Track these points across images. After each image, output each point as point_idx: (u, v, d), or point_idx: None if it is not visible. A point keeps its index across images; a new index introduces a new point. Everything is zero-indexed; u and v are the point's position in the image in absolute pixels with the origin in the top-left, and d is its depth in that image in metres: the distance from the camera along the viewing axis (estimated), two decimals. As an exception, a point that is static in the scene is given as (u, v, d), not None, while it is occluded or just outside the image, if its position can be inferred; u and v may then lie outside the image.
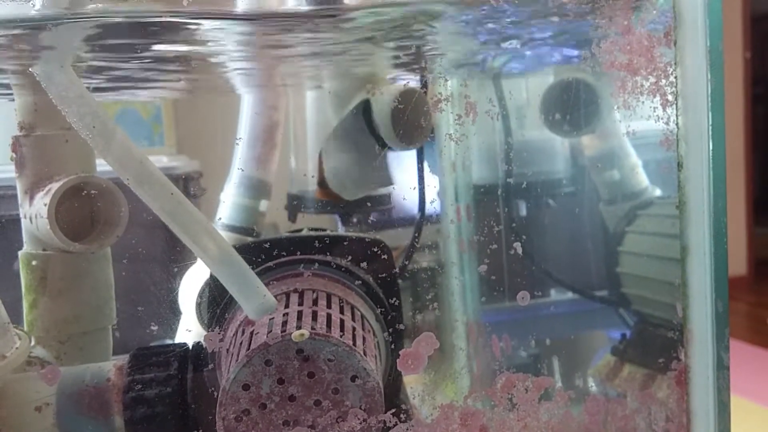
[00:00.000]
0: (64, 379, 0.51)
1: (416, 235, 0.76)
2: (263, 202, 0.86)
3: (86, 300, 0.64)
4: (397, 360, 0.43)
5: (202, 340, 0.73)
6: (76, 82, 0.43)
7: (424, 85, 0.73)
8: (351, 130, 0.51)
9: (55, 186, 0.60)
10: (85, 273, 0.64)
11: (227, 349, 0.47)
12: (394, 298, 0.53)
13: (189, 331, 0.85)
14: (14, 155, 0.64)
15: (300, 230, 0.69)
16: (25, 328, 0.64)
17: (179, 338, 0.88)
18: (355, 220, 0.83)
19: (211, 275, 0.54)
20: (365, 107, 0.51)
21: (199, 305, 0.78)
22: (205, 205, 0.94)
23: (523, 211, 0.76)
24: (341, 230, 0.93)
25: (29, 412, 0.49)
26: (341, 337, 0.41)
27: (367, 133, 0.50)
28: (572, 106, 0.63)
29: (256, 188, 0.86)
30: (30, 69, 0.44)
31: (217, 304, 0.52)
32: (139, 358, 0.51)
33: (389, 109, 0.66)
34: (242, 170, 0.86)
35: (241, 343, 0.43)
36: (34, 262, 0.63)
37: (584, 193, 0.81)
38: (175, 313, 0.92)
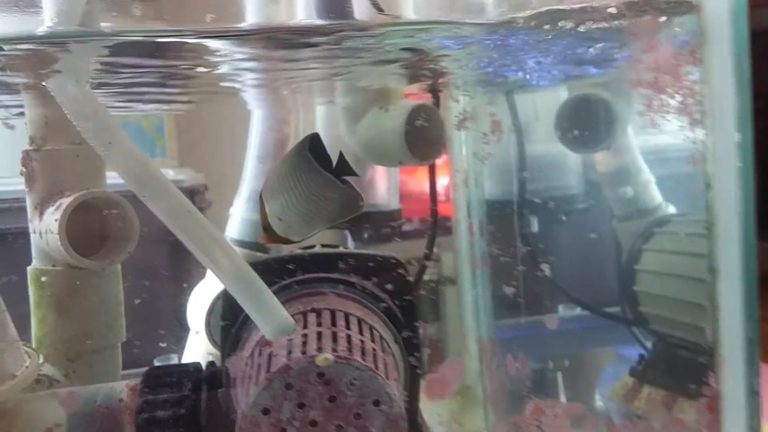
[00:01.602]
0: (77, 398, 0.50)
1: (429, 250, 0.76)
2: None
3: (96, 317, 0.63)
4: (423, 385, 0.42)
5: (214, 359, 0.72)
6: (90, 97, 0.42)
7: (437, 100, 0.72)
8: (296, 167, 0.49)
9: (66, 201, 0.59)
10: (95, 289, 0.63)
11: (243, 370, 0.46)
12: (411, 318, 0.52)
13: (197, 347, 0.84)
14: (24, 170, 0.63)
15: (312, 246, 0.68)
16: (34, 345, 0.63)
17: (187, 355, 0.87)
18: (366, 235, 0.83)
19: (224, 292, 0.53)
20: (312, 141, 0.48)
21: (209, 322, 0.77)
22: (211, 218, 0.93)
23: (536, 227, 0.75)
24: (352, 246, 0.92)
25: (40, 433, 0.48)
26: (363, 359, 0.40)
27: (315, 168, 0.47)
28: (588, 122, 0.62)
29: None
30: (43, 83, 0.43)
31: (231, 322, 0.51)
32: (152, 378, 0.50)
33: (403, 126, 0.65)
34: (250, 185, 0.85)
35: (259, 365, 0.42)
36: (43, 278, 0.62)
37: (597, 209, 0.81)
38: (184, 329, 0.91)
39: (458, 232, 0.79)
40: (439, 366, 0.42)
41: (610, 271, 0.78)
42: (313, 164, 0.47)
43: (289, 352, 0.40)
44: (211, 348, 0.80)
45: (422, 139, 0.66)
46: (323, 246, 0.68)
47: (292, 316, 0.45)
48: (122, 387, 0.51)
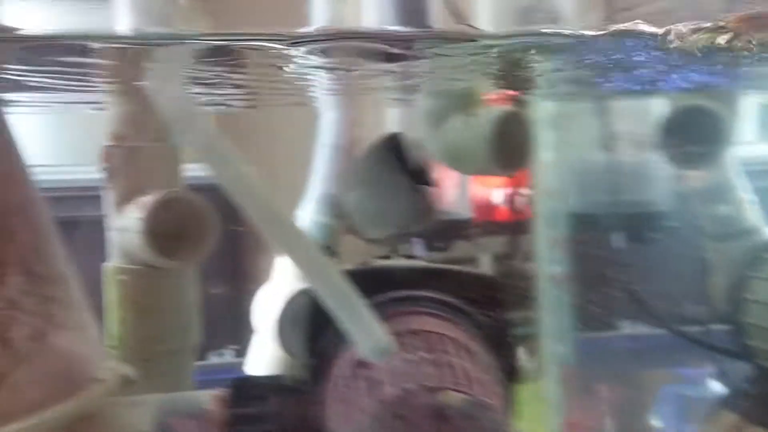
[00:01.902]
0: (161, 407, 0.48)
1: (508, 266, 0.73)
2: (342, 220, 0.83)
3: (172, 318, 0.62)
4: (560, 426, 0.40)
5: (285, 366, 0.70)
6: (188, 99, 0.40)
7: (522, 106, 0.69)
8: (378, 162, 0.47)
9: (148, 200, 0.58)
10: (172, 290, 0.62)
11: (336, 391, 0.44)
12: (509, 343, 0.49)
13: (263, 349, 0.82)
14: (105, 165, 0.62)
15: (388, 257, 0.65)
16: (109, 343, 0.62)
17: (252, 356, 0.85)
18: (439, 244, 0.80)
19: (310, 303, 0.51)
20: (397, 140, 0.46)
21: (281, 328, 0.75)
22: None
23: (623, 243, 0.71)
24: (421, 254, 0.89)
25: (125, 441, 0.47)
26: (476, 392, 0.37)
27: (396, 169, 0.46)
28: (695, 136, 0.59)
29: (335, 206, 0.83)
30: (140, 83, 0.42)
31: (318, 335, 0.49)
32: (239, 391, 0.49)
33: (489, 133, 0.62)
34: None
35: (362, 390, 0.40)
36: (120, 277, 0.61)
37: (688, 227, 0.77)
38: (243, 327, 0.90)
39: (539, 247, 0.76)
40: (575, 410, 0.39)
41: (701, 293, 0.74)
42: (396, 165, 0.45)
43: (399, 381, 0.38)
44: (278, 352, 0.79)
45: (509, 148, 0.63)
46: (402, 257, 0.65)
47: (391, 336, 0.43)
48: (208, 397, 0.49)
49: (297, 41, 0.41)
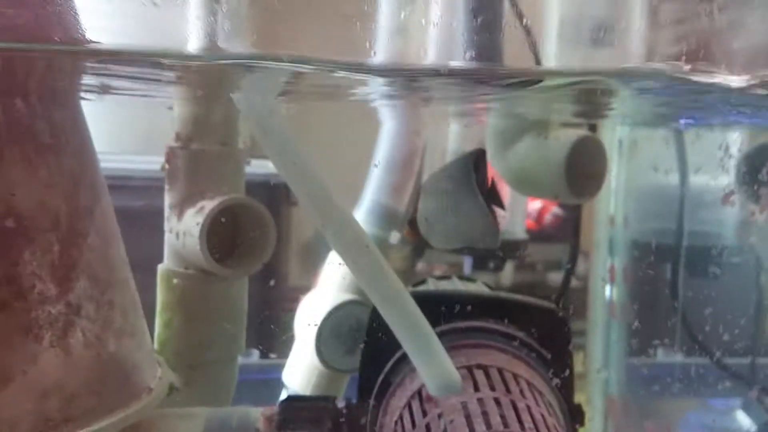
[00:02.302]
0: (209, 421, 0.47)
1: (563, 293, 0.70)
2: (394, 233, 0.82)
3: (221, 326, 0.61)
4: None
5: (332, 383, 0.68)
6: (277, 113, 0.39)
7: (593, 130, 0.66)
8: (455, 177, 0.46)
9: (209, 205, 0.57)
10: (224, 298, 0.61)
11: (395, 421, 0.42)
12: (571, 381, 0.47)
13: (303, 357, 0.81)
14: (167, 166, 0.62)
15: (447, 277, 0.63)
16: (156, 347, 0.61)
17: (291, 362, 0.84)
18: (491, 265, 0.78)
19: (340, 308, 0.50)
20: (477, 158, 0.44)
21: (319, 339, 0.73)
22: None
23: (687, 278, 0.68)
24: (468, 272, 0.87)
25: (173, 454, 0.46)
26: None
27: (471, 184, 0.44)
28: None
29: (389, 218, 0.81)
30: (231, 95, 0.40)
31: (378, 361, 0.47)
32: (289, 411, 0.47)
33: (565, 157, 0.60)
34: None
35: (427, 427, 0.38)
36: (175, 281, 0.60)
37: (750, 264, 0.73)
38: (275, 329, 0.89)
39: (595, 276, 0.73)
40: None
41: (756, 330, 0.70)
42: (472, 183, 0.44)
43: (469, 420, 0.36)
44: (317, 362, 0.77)
45: (582, 174, 0.60)
46: (460, 278, 0.63)
47: (457, 369, 0.41)
48: (257, 415, 0.48)
49: (366, 71, 0.39)
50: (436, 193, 0.48)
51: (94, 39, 0.34)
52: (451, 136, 0.85)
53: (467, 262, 0.85)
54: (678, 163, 0.66)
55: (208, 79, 0.44)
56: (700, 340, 0.72)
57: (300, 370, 0.79)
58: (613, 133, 0.70)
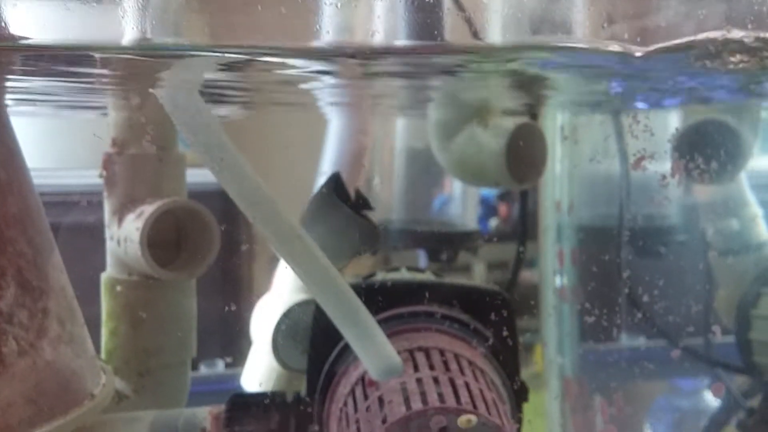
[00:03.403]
0: (155, 424, 0.47)
1: (513, 278, 0.71)
2: (346, 230, 0.82)
3: (169, 331, 0.60)
4: None
5: (291, 384, 0.68)
6: (203, 109, 0.39)
7: (534, 117, 0.68)
8: (321, 205, 0.49)
9: (148, 209, 0.56)
10: (170, 302, 0.60)
11: (340, 408, 0.42)
12: (516, 361, 0.48)
13: (260, 362, 0.80)
14: (104, 173, 0.61)
15: (396, 269, 0.64)
16: (103, 356, 0.60)
17: (249, 368, 0.84)
18: (443, 257, 0.78)
19: (316, 319, 0.50)
20: (335, 180, 0.48)
21: (276, 341, 0.73)
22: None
23: (632, 258, 0.70)
24: (422, 265, 0.88)
25: (119, 460, 0.45)
26: (488, 413, 0.35)
27: (334, 200, 0.48)
28: (713, 152, 0.57)
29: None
30: (151, 90, 0.40)
31: (322, 353, 0.47)
32: (236, 408, 0.47)
33: (505, 145, 0.60)
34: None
35: (368, 409, 0.38)
36: (118, 288, 0.59)
37: (695, 241, 0.75)
38: (242, 339, 0.88)
39: (545, 261, 0.74)
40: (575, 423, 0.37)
41: (707, 308, 0.72)
42: (335, 201, 0.48)
43: (407, 400, 0.36)
44: (275, 364, 0.77)
45: (523, 161, 0.61)
46: (409, 269, 0.64)
47: (398, 353, 0.41)
48: (205, 414, 0.47)
49: (309, 56, 0.40)
50: (310, 222, 0.50)
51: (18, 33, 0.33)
52: (398, 133, 0.85)
53: (421, 256, 0.85)
54: (618, 146, 0.68)
55: (138, 78, 0.44)
56: (653, 320, 0.73)
57: (258, 372, 0.79)
58: (554, 120, 0.71)
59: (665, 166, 0.56)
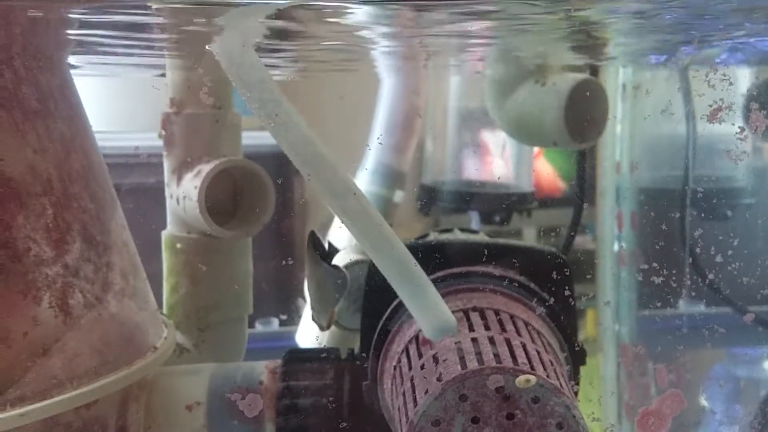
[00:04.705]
0: (214, 376, 0.48)
1: (570, 241, 0.69)
2: (398, 192, 0.81)
3: (227, 287, 0.61)
4: (636, 419, 0.37)
5: (344, 343, 0.69)
6: (258, 65, 0.39)
7: (595, 74, 0.65)
8: (311, 266, 0.55)
9: (206, 168, 0.57)
10: (227, 259, 0.61)
11: (394, 366, 0.42)
12: (574, 323, 0.47)
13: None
14: (163, 132, 0.62)
15: (449, 230, 0.63)
16: (165, 311, 0.62)
17: (303, 327, 0.85)
18: (496, 219, 0.77)
19: (369, 278, 0.50)
20: (313, 239, 0.53)
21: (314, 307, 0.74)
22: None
23: (698, 222, 0.67)
24: (475, 226, 0.87)
25: (180, 410, 0.46)
26: (540, 372, 0.35)
27: (317, 260, 0.54)
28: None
29: (392, 177, 0.81)
30: (207, 47, 0.40)
31: (376, 311, 0.47)
32: (292, 362, 0.48)
33: (564, 102, 0.58)
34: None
35: (422, 367, 0.38)
36: (178, 245, 0.61)
37: (765, 205, 0.71)
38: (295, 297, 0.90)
39: (602, 225, 0.72)
40: (656, 398, 0.36)
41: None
42: (316, 258, 0.51)
43: (462, 359, 0.36)
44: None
45: (582, 119, 0.59)
46: (462, 230, 0.63)
47: (453, 313, 0.41)
48: (262, 368, 0.48)
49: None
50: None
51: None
52: (451, 93, 0.83)
53: (474, 218, 0.84)
54: (684, 103, 0.64)
55: (194, 33, 0.44)
56: (717, 287, 0.71)
57: (312, 332, 0.80)
58: (616, 77, 0.68)
59: (739, 119, 0.53)
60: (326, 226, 0.89)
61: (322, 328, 0.53)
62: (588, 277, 0.79)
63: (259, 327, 1.11)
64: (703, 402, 0.85)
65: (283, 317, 1.05)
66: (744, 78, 0.65)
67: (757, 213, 0.70)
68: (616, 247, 0.71)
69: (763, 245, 0.70)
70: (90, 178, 0.46)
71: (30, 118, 0.42)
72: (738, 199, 0.69)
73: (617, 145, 0.70)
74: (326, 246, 0.54)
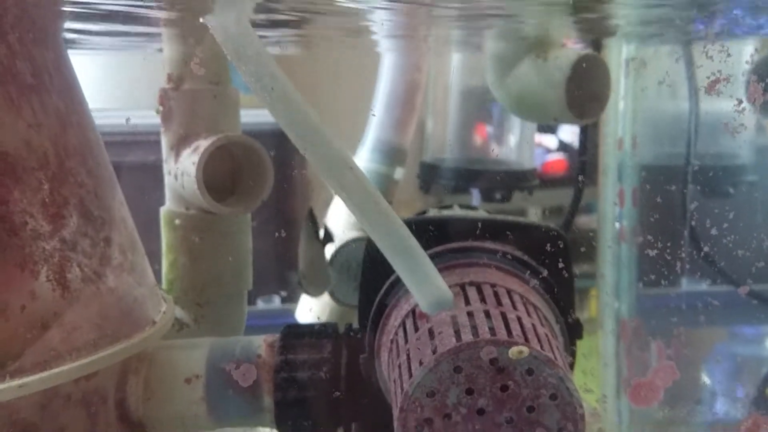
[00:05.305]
0: (213, 349, 0.48)
1: (570, 217, 0.69)
2: (398, 169, 0.81)
3: (226, 263, 0.61)
4: (628, 391, 0.37)
5: (344, 318, 0.69)
6: (253, 38, 0.38)
7: (597, 49, 0.64)
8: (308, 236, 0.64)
9: (203, 144, 0.57)
10: (226, 235, 0.61)
11: (391, 340, 0.43)
12: (571, 298, 0.47)
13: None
14: (161, 108, 0.62)
15: (449, 206, 0.63)
16: (164, 287, 0.62)
17: (301, 304, 0.86)
18: (497, 196, 0.77)
19: (367, 253, 0.50)
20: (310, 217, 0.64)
21: (304, 275, 0.74)
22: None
23: (699, 198, 0.66)
24: (475, 203, 0.87)
25: (179, 383, 0.47)
26: (535, 345, 0.35)
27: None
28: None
29: (392, 154, 0.81)
30: (201, 20, 0.40)
31: (374, 285, 0.48)
32: (290, 337, 0.48)
33: (564, 78, 0.58)
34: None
35: (418, 340, 0.38)
36: (177, 221, 0.61)
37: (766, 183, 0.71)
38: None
39: (604, 201, 0.72)
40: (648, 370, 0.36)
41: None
42: (310, 231, 0.59)
43: (457, 332, 0.36)
44: (328, 299, 0.78)
45: (584, 94, 0.59)
46: (461, 206, 0.63)
47: (449, 288, 0.41)
48: (260, 342, 0.49)
49: None
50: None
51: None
52: (453, 70, 0.83)
53: (475, 196, 0.84)
54: (687, 79, 0.64)
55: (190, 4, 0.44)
56: (718, 264, 0.70)
57: (313, 308, 0.80)
58: (619, 53, 0.67)
59: (740, 93, 0.53)
60: (328, 203, 0.89)
61: (309, 294, 0.55)
62: (589, 256, 0.79)
63: (261, 304, 1.11)
64: (704, 378, 0.86)
65: (284, 294, 1.05)
66: (746, 52, 0.64)
67: (759, 190, 0.69)
68: (617, 223, 0.71)
69: (764, 222, 0.70)
70: (87, 153, 0.46)
71: (25, 92, 0.42)
72: (740, 177, 0.68)
73: (619, 121, 0.69)
74: (323, 225, 0.56)
